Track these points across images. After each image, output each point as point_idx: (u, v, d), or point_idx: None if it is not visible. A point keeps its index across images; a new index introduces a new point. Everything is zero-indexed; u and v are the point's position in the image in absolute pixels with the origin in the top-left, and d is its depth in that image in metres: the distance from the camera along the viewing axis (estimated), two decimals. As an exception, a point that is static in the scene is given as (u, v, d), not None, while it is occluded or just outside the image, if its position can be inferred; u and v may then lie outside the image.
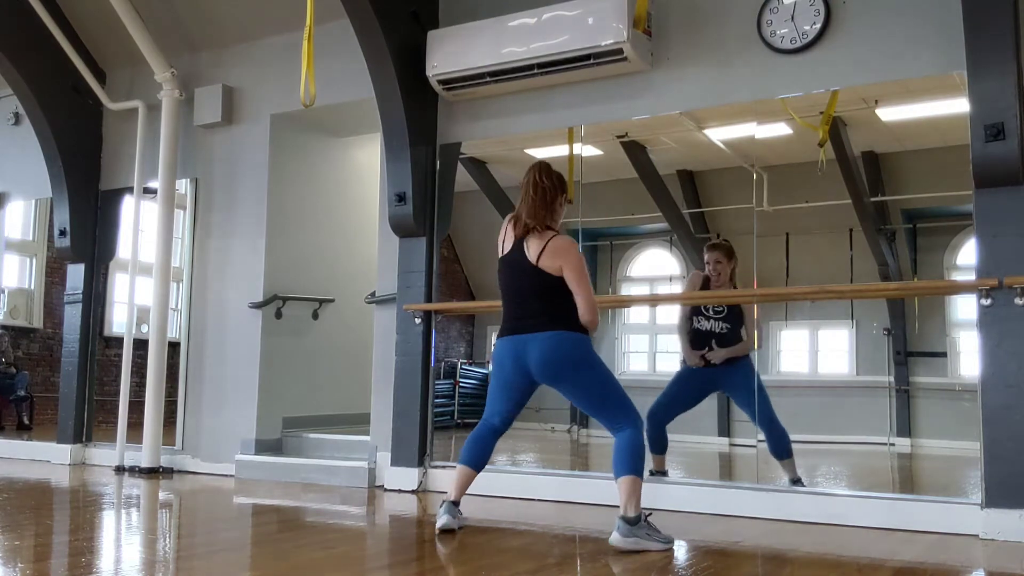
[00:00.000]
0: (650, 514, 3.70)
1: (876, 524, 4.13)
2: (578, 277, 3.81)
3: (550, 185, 3.91)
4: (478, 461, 4.01)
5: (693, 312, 5.09)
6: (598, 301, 3.93)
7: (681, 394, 5.11)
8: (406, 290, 5.55)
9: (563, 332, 3.80)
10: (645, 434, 3.82)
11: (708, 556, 3.62)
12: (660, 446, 4.95)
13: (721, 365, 4.98)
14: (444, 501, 3.99)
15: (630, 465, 3.70)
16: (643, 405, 6.15)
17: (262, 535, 4.23)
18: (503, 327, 3.98)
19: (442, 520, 3.92)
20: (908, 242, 5.66)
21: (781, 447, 4.76)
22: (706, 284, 5.08)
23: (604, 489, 4.81)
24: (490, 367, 3.99)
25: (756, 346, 5.11)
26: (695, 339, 5.09)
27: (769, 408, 4.82)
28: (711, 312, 5.03)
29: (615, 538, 3.58)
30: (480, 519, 4.50)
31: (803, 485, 4.62)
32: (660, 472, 4.91)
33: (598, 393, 3.82)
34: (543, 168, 3.96)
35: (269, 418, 6.26)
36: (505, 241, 4.00)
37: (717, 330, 5.01)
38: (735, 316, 5.03)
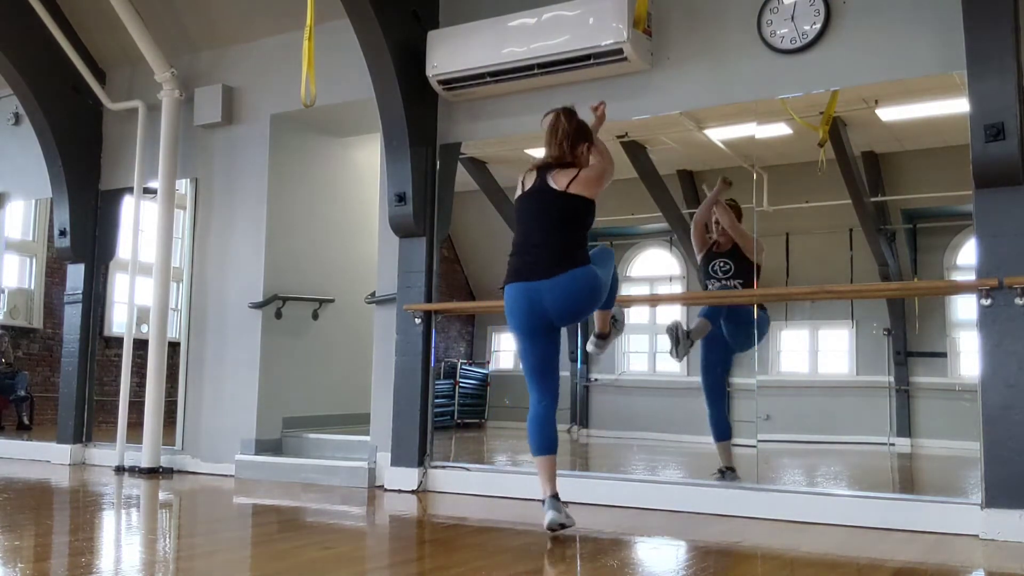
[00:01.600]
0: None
1: (876, 524, 4.13)
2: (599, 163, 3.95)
3: (573, 128, 3.94)
4: (550, 444, 3.88)
5: (705, 278, 5.16)
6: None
7: (712, 353, 5.15)
8: (406, 290, 5.55)
9: (576, 269, 3.81)
10: None
11: (708, 556, 3.62)
12: (726, 429, 5.01)
13: (734, 323, 5.04)
14: (544, 497, 3.80)
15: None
16: (642, 406, 6.19)
17: (262, 535, 4.23)
18: (511, 270, 3.93)
19: (549, 516, 3.73)
20: (908, 242, 5.66)
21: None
22: (709, 249, 5.15)
23: (604, 489, 4.81)
24: (507, 323, 3.98)
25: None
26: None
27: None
28: (719, 273, 5.06)
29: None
30: (480, 519, 4.51)
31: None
32: (730, 468, 4.88)
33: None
34: (565, 112, 3.99)
35: (269, 418, 6.26)
36: (524, 182, 4.01)
37: (732, 287, 5.05)
38: (744, 272, 5.02)
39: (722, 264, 5.08)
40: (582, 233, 3.89)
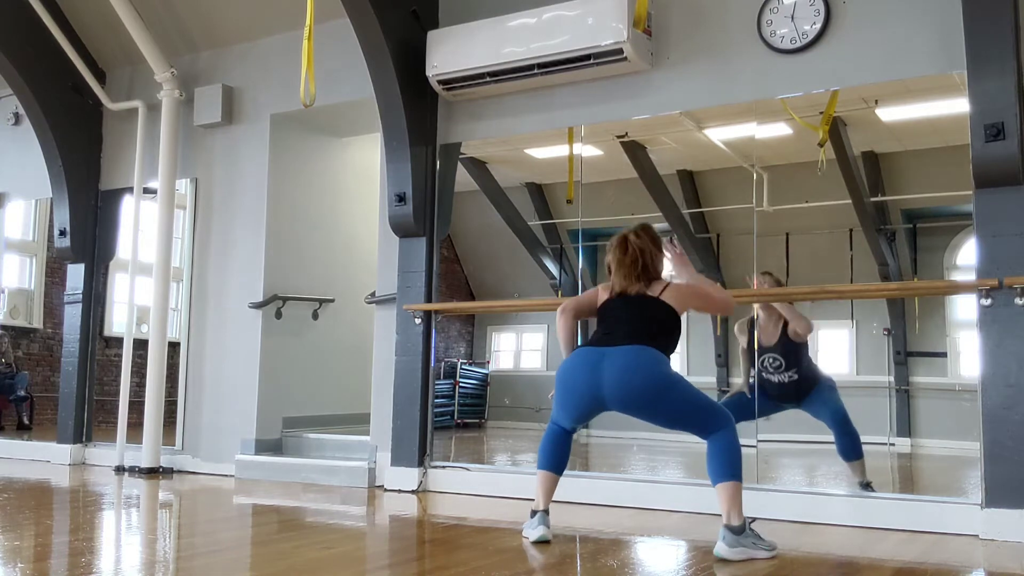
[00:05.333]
0: (753, 520, 3.55)
1: (876, 524, 4.13)
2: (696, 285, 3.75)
3: (634, 254, 3.74)
4: (560, 465, 3.80)
5: (760, 372, 4.97)
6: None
7: (751, 410, 4.92)
8: (406, 290, 5.55)
9: (646, 347, 3.57)
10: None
11: (708, 556, 3.61)
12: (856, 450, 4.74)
13: (799, 402, 4.90)
14: (533, 511, 3.77)
15: (728, 470, 3.49)
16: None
17: (262, 535, 4.23)
18: (583, 344, 3.78)
19: (537, 532, 3.70)
20: (908, 242, 5.66)
21: (854, 448, 4.70)
22: (752, 323, 5.00)
23: (604, 489, 4.82)
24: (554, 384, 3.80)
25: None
26: (768, 389, 4.95)
27: (842, 410, 4.77)
28: (770, 368, 4.90)
29: (721, 548, 3.42)
30: (480, 519, 4.51)
31: (872, 490, 4.54)
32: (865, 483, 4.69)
33: (686, 409, 3.59)
34: (622, 241, 3.78)
35: (269, 418, 6.26)
36: (610, 294, 3.82)
37: (787, 381, 4.87)
38: (795, 360, 4.87)
39: (772, 359, 4.90)
40: (659, 330, 3.66)
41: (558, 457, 3.81)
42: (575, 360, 3.70)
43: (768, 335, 4.95)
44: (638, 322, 3.67)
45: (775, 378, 4.93)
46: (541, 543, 3.70)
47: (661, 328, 3.67)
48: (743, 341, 5.16)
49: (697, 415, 3.57)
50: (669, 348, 3.70)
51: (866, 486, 4.59)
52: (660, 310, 3.68)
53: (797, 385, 4.89)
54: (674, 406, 3.58)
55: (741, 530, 3.43)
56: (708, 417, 3.56)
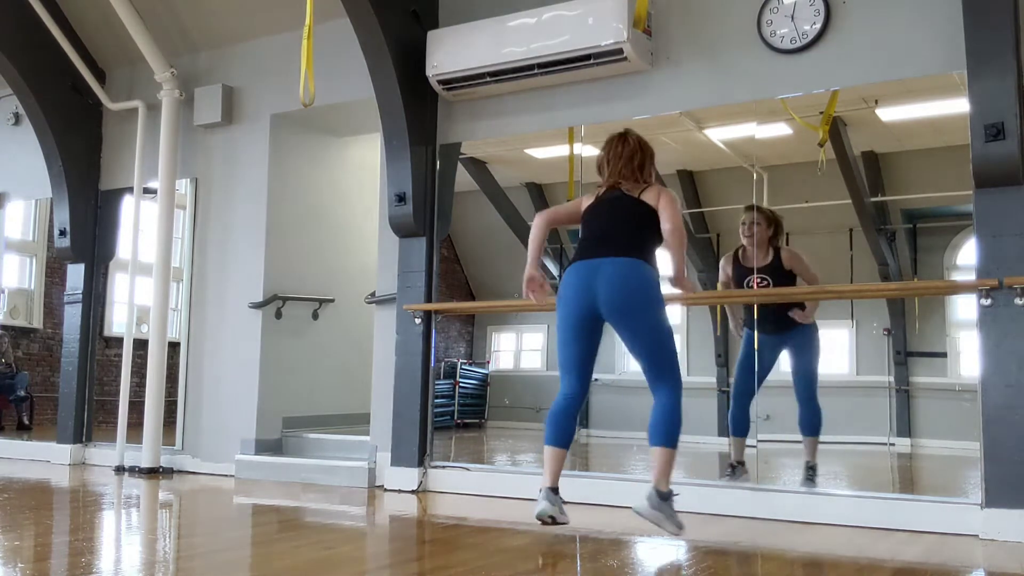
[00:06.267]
0: (678, 494, 3.69)
1: (876, 524, 4.13)
2: (672, 200, 3.82)
3: (644, 149, 3.94)
4: (565, 438, 3.82)
5: (736, 286, 5.04)
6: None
7: (752, 365, 4.97)
8: (406, 290, 5.55)
9: (641, 261, 3.73)
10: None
11: (708, 556, 3.62)
12: (744, 426, 4.86)
13: (782, 333, 4.92)
14: (541, 488, 3.76)
15: (668, 437, 3.66)
16: (643, 406, 6.16)
17: (262, 535, 4.23)
18: (576, 255, 3.88)
19: (541, 506, 3.71)
20: (908, 242, 5.66)
21: (812, 424, 4.78)
22: (736, 255, 5.02)
23: (604, 489, 4.81)
24: (556, 312, 3.89)
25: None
26: (757, 313, 5.03)
27: (814, 384, 4.83)
28: (754, 285, 4.94)
29: (642, 506, 3.60)
30: (480, 519, 4.51)
31: (815, 476, 4.62)
32: (740, 463, 4.82)
33: (658, 338, 3.74)
34: (627, 134, 3.96)
35: (269, 418, 6.26)
36: (592, 196, 3.97)
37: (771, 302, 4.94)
38: (783, 279, 4.90)
39: (760, 280, 4.95)
40: (647, 237, 3.82)
41: (562, 431, 3.82)
42: (569, 279, 3.81)
43: (759, 259, 4.95)
44: (629, 229, 3.80)
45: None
46: (548, 520, 3.69)
47: (652, 234, 3.81)
48: (724, 275, 5.17)
49: (661, 353, 3.74)
50: (655, 247, 3.85)
51: (811, 469, 4.63)
52: (648, 215, 3.81)
53: (783, 307, 4.89)
54: (650, 329, 3.72)
55: (666, 497, 3.63)
56: (667, 364, 3.73)
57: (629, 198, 3.87)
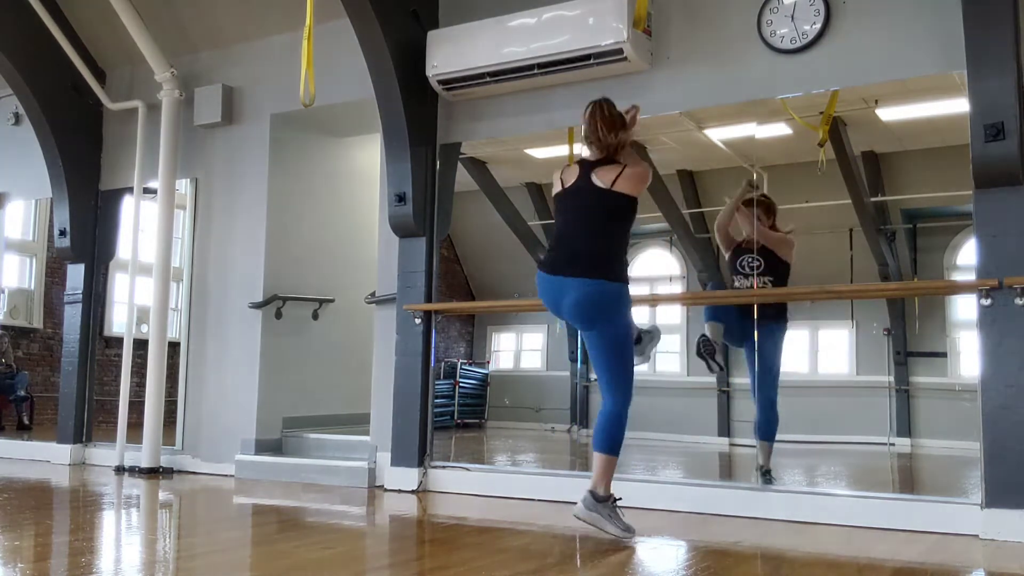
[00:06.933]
0: (620, 499, 3.80)
1: (876, 524, 4.12)
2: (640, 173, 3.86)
3: (614, 117, 3.91)
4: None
5: (732, 273, 5.04)
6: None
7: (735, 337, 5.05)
8: (406, 290, 5.55)
9: (604, 282, 3.79)
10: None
11: (708, 556, 3.62)
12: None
13: (754, 319, 4.92)
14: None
15: (610, 444, 3.80)
16: (642, 406, 6.17)
17: (262, 535, 4.23)
18: (546, 259, 3.95)
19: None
20: (908, 242, 5.67)
21: (768, 430, 4.79)
22: (739, 245, 5.01)
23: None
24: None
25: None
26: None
27: (774, 388, 4.82)
28: (747, 268, 4.96)
29: (579, 509, 3.74)
30: (480, 519, 4.51)
31: (772, 479, 4.62)
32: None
33: (616, 352, 3.84)
34: (603, 103, 3.95)
35: (269, 418, 6.26)
36: (564, 178, 3.98)
37: (760, 286, 4.93)
38: (775, 268, 4.91)
39: (751, 260, 4.96)
40: (625, 231, 3.88)
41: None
42: (541, 289, 3.94)
43: (752, 243, 4.96)
44: (596, 229, 3.84)
45: (748, 282, 4.95)
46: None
47: (622, 226, 3.86)
48: (725, 245, 5.18)
49: (617, 366, 3.84)
50: (623, 246, 3.90)
51: (767, 474, 4.62)
52: (621, 208, 3.84)
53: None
54: (609, 344, 3.83)
55: (602, 500, 3.74)
56: (621, 376, 3.85)
57: (599, 191, 3.85)
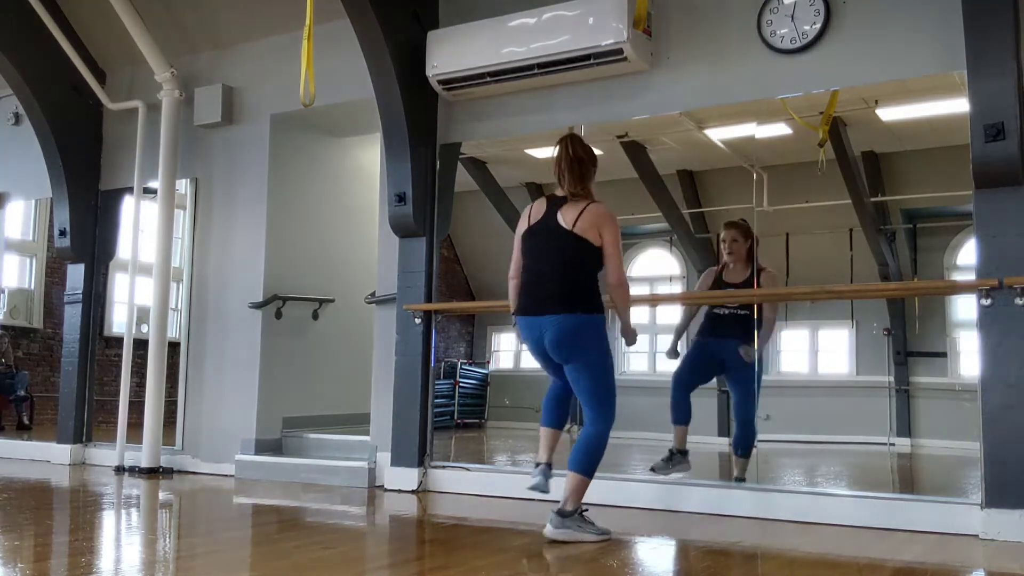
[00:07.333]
0: (586, 509, 3.84)
1: (876, 524, 4.13)
2: (615, 242, 3.86)
3: (583, 155, 3.92)
4: (560, 420, 4.06)
5: (712, 307, 5.06)
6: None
7: (696, 363, 5.08)
8: (406, 290, 5.55)
9: (579, 315, 3.82)
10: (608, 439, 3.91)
11: (708, 556, 3.62)
12: (684, 414, 4.95)
13: (731, 341, 4.94)
14: (537, 463, 4.00)
15: (585, 465, 3.82)
16: (642, 406, 6.19)
17: (262, 535, 4.23)
18: (521, 302, 3.99)
19: (536, 480, 3.94)
20: (908, 242, 5.66)
21: (746, 446, 4.82)
22: (720, 273, 5.03)
23: (604, 489, 4.80)
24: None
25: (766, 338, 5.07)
26: (715, 322, 5.07)
27: (751, 405, 4.84)
28: (729, 302, 4.97)
29: (548, 529, 3.76)
30: (480, 519, 4.51)
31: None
32: (681, 451, 4.87)
33: (596, 380, 3.87)
34: (574, 139, 3.96)
35: (269, 418, 6.26)
36: (532, 214, 4.00)
37: (741, 314, 4.93)
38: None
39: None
40: (594, 266, 3.88)
41: (554, 413, 4.07)
42: (521, 328, 4.00)
43: (736, 275, 4.97)
44: (565, 268, 3.86)
45: (726, 310, 4.97)
46: (536, 491, 3.91)
47: (590, 267, 3.88)
48: (703, 288, 5.22)
49: (598, 393, 3.88)
50: (594, 278, 3.91)
51: (741, 480, 4.66)
52: (586, 250, 3.85)
53: (743, 323, 4.90)
54: (589, 374, 3.87)
55: (569, 515, 3.77)
56: (603, 401, 3.88)
57: (563, 231, 3.87)
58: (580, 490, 3.80)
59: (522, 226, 4.03)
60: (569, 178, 3.88)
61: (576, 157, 3.89)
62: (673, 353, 5.21)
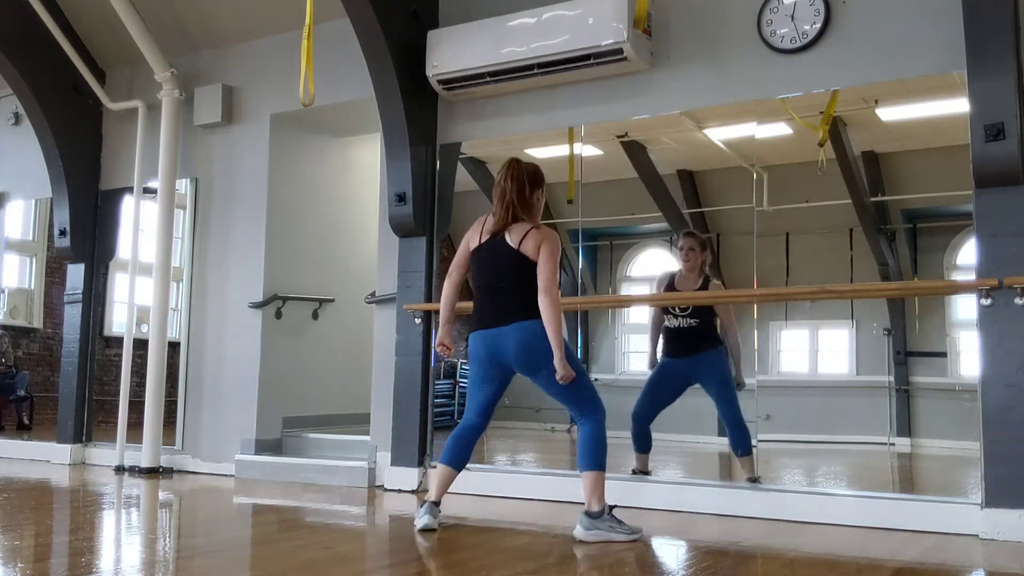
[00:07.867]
0: (615, 506, 3.81)
1: (876, 524, 4.13)
2: (550, 254, 3.86)
3: (526, 179, 3.97)
4: (460, 461, 4.07)
5: (663, 311, 5.12)
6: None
7: (660, 390, 5.10)
8: (406, 290, 5.55)
9: (536, 321, 3.84)
10: (607, 429, 3.93)
11: (708, 556, 3.62)
12: (644, 445, 5.00)
13: (691, 356, 5.01)
14: (425, 501, 4.04)
15: (593, 460, 3.84)
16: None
17: (262, 535, 4.23)
18: (475, 319, 4.04)
19: (423, 520, 3.95)
20: (908, 242, 5.65)
21: (743, 445, 4.82)
22: (672, 279, 5.10)
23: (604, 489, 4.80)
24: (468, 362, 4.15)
25: (738, 340, 5.10)
26: (666, 336, 5.13)
27: (735, 404, 4.86)
28: (677, 310, 5.03)
29: (579, 531, 3.74)
30: (480, 519, 4.51)
31: (760, 483, 4.64)
32: (643, 471, 4.93)
33: (569, 384, 3.87)
34: (516, 163, 4.01)
35: (269, 418, 6.26)
36: (481, 234, 4.04)
37: (685, 326, 5.01)
38: (703, 310, 5.01)
39: (683, 309, 5.03)
40: (535, 291, 3.90)
41: (457, 454, 4.07)
42: (477, 343, 4.03)
43: (688, 283, 5.02)
44: (513, 283, 3.92)
45: (676, 322, 5.02)
46: (426, 531, 3.90)
47: (535, 285, 3.88)
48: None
49: (576, 394, 3.90)
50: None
51: (756, 481, 4.66)
52: (530, 267, 3.89)
53: (695, 334, 4.97)
54: (555, 380, 3.85)
55: (599, 515, 3.74)
56: (584, 401, 3.91)
57: (508, 248, 3.92)
58: (599, 487, 3.79)
59: (473, 240, 4.07)
60: (511, 202, 3.93)
61: (520, 181, 3.94)
62: (653, 365, 5.23)
